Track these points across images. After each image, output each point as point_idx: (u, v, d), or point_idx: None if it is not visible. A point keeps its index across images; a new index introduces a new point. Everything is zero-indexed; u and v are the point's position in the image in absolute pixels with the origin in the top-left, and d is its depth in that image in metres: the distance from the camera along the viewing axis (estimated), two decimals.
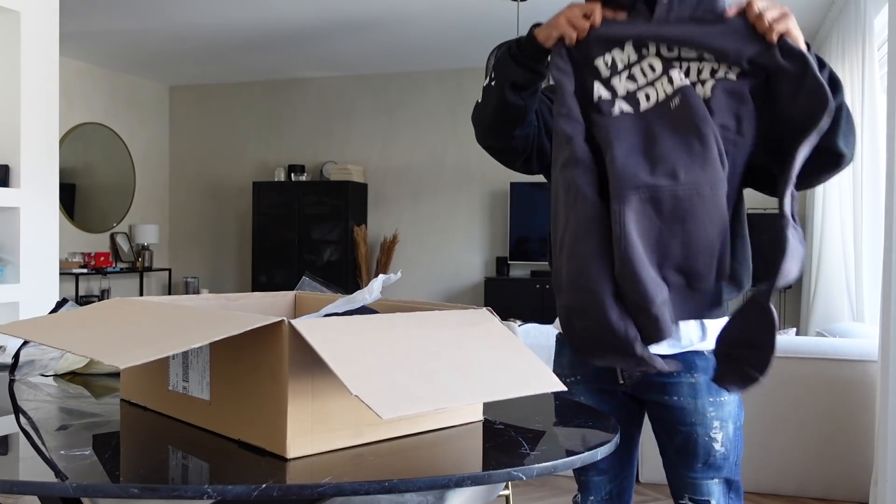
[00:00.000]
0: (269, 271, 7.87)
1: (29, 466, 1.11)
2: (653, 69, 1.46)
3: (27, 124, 3.88)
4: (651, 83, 1.45)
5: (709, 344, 1.57)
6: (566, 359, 1.72)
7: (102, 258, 7.46)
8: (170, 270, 8.37)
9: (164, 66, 7.76)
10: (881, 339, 2.99)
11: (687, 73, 1.45)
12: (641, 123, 1.43)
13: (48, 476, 1.03)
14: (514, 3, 5.49)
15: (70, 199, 7.47)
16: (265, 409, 1.11)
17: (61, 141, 7.11)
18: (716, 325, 1.56)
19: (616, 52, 1.47)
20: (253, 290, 7.86)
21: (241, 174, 8.39)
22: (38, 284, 3.93)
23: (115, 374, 1.68)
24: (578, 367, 1.68)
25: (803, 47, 1.40)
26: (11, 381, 1.62)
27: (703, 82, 1.45)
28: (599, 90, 1.46)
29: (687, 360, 1.57)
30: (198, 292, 8.11)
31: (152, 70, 7.93)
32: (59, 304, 1.76)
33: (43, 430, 1.25)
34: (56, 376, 1.69)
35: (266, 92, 8.24)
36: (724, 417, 1.58)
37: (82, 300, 7.15)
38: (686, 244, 1.38)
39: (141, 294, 7.98)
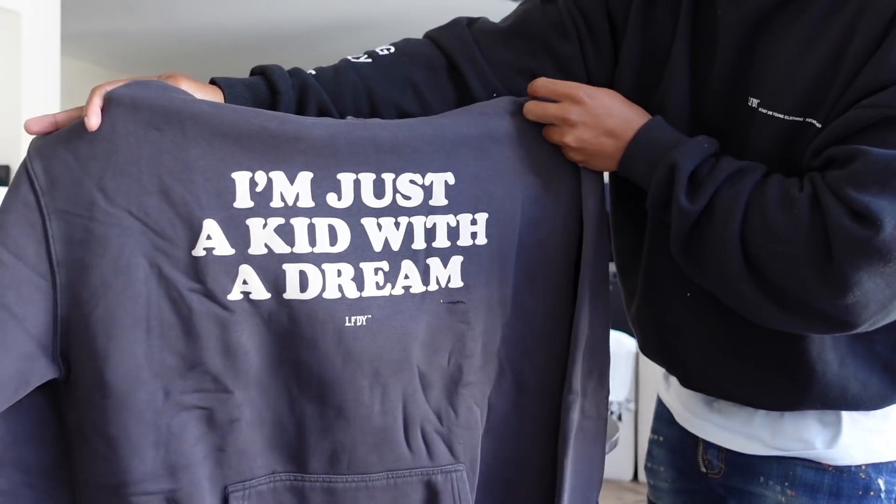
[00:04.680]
0: None
1: None
2: (332, 232, 0.85)
3: None
4: (335, 258, 0.84)
5: (840, 454, 0.97)
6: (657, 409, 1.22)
7: None
8: None
9: (165, 67, 7.73)
10: None
11: (431, 236, 0.89)
12: (280, 334, 0.84)
13: None
14: (514, 3, 5.49)
15: None
16: None
17: None
18: (865, 425, 0.97)
19: (278, 175, 0.83)
20: None
21: None
22: None
23: None
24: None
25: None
26: None
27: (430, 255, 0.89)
28: (212, 230, 0.81)
29: (783, 467, 1.00)
30: None
31: (153, 71, 7.86)
32: None
33: None
34: None
35: None
36: None
37: None
38: None
39: None
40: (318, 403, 0.86)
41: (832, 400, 0.94)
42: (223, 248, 0.81)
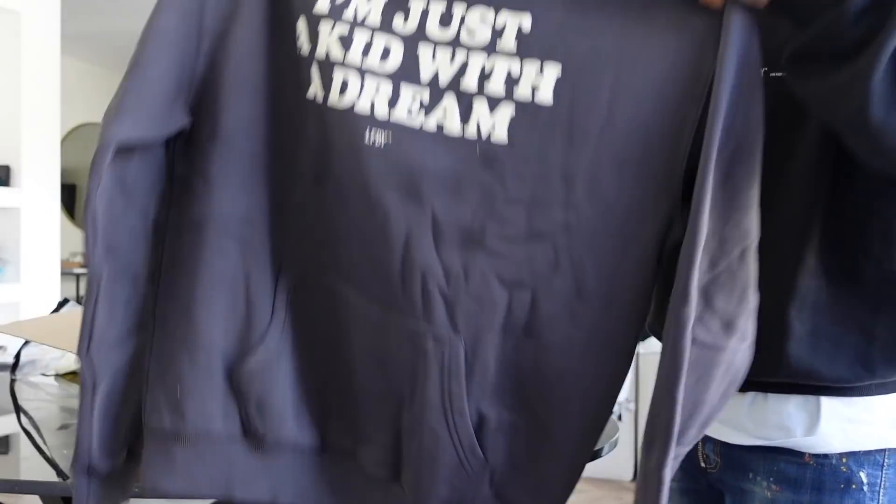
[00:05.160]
0: None
1: (30, 466, 1.11)
2: (386, 51, 0.87)
3: (28, 124, 3.90)
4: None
5: (818, 441, 0.96)
6: None
7: None
8: None
9: None
10: None
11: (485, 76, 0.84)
12: (323, 137, 0.89)
13: (49, 475, 1.04)
14: None
15: (71, 198, 7.47)
16: None
17: (62, 141, 7.10)
18: (844, 414, 0.96)
19: None
20: None
21: None
22: (38, 284, 3.94)
23: None
24: None
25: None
26: (13, 381, 1.63)
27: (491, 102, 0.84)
28: (301, 29, 0.89)
29: (768, 461, 0.99)
30: None
31: None
32: (61, 305, 1.77)
33: (44, 429, 1.26)
34: (57, 376, 1.69)
35: None
36: None
37: (83, 300, 7.15)
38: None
39: None
40: (334, 214, 0.90)
41: (802, 370, 0.93)
42: (306, 47, 0.87)
